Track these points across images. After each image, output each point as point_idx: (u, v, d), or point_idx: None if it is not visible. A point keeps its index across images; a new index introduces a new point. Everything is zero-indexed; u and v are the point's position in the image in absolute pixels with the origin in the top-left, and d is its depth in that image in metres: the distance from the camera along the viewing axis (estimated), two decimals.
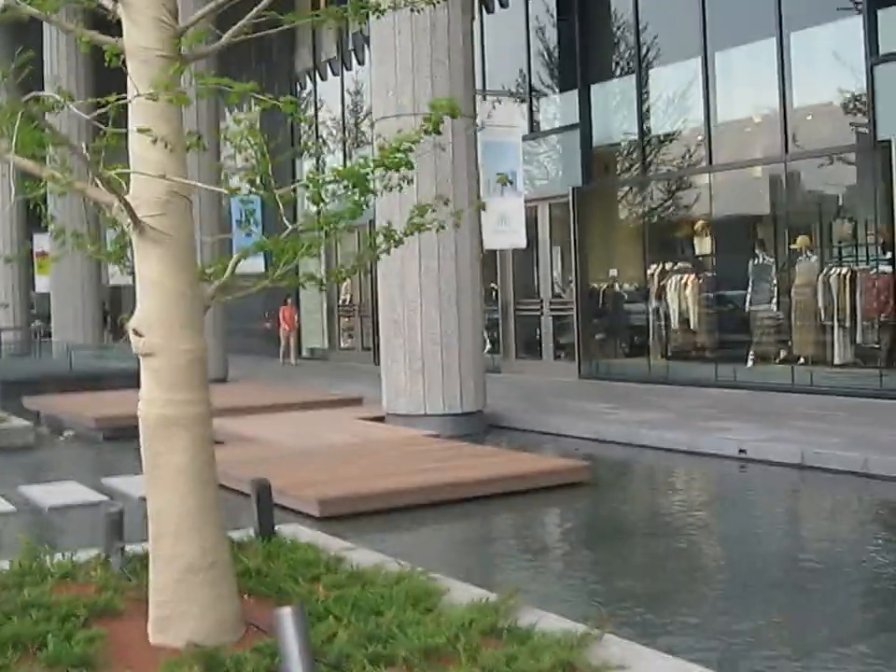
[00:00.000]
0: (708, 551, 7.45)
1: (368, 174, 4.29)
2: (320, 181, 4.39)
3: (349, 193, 4.42)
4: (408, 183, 4.95)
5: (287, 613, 3.60)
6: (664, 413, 12.80)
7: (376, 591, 4.85)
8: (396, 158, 4.16)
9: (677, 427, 11.70)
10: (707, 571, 6.84)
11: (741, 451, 10.37)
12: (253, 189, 4.50)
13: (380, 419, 13.24)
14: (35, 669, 4.05)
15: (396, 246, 5.27)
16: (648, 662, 4.01)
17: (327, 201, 4.86)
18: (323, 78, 25.34)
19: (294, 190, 5.09)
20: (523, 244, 15.68)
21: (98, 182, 4.33)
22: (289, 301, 23.94)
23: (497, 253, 18.38)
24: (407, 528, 8.12)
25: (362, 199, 4.42)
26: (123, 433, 12.57)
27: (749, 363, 15.71)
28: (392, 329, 13.01)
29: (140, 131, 3.94)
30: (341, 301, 25.09)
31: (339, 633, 4.30)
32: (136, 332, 4.36)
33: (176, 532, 4.40)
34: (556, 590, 6.37)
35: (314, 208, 4.83)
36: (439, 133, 4.26)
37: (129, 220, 4.26)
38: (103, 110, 4.21)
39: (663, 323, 17.35)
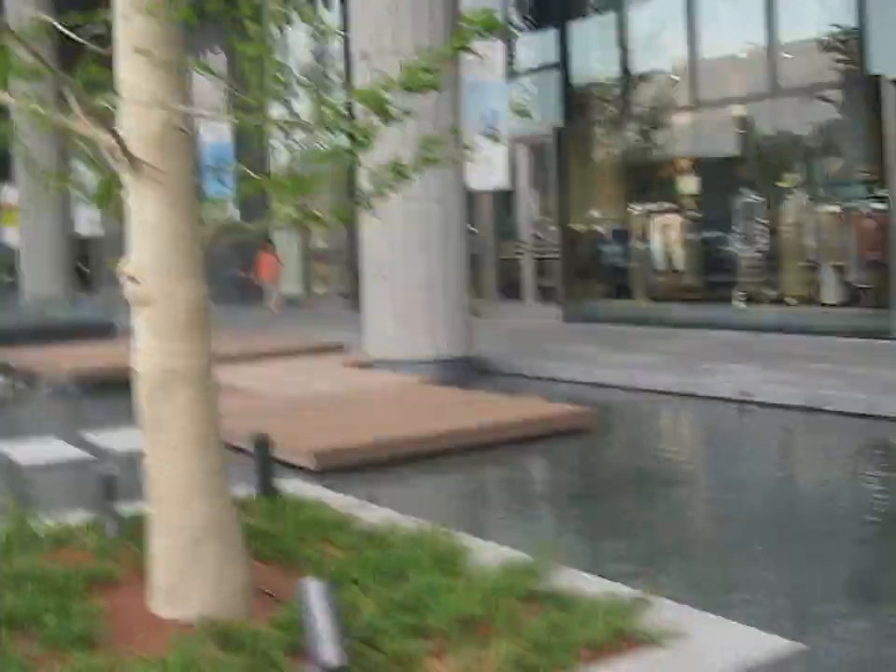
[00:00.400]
0: (731, 498, 7.10)
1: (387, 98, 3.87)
2: (335, 107, 3.96)
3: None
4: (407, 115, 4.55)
5: (315, 587, 3.27)
6: (657, 356, 12.50)
7: (397, 552, 4.51)
8: (422, 78, 3.74)
9: (674, 369, 11.39)
10: (738, 521, 6.54)
11: (743, 393, 10.08)
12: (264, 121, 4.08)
13: (365, 366, 12.89)
14: (35, 650, 3.69)
15: (403, 183, 4.89)
16: (708, 628, 3.70)
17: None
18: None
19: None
20: (506, 184, 15.29)
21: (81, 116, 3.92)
22: (268, 247, 23.18)
23: (475, 195, 17.96)
24: (410, 480, 7.79)
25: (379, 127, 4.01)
26: (99, 386, 12.24)
27: (737, 304, 15.41)
28: (376, 274, 12.62)
29: (139, 51, 3.52)
30: (315, 247, 24.59)
31: (362, 601, 3.97)
32: (133, 279, 3.96)
33: (182, 496, 4.03)
34: (575, 545, 6.04)
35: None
36: (471, 51, 3.82)
37: (121, 158, 3.86)
38: (81, 40, 3.80)
39: (648, 264, 17.02)
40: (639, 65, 16.64)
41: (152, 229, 3.93)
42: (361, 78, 11.46)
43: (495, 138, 12.00)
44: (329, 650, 3.20)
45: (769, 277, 15.07)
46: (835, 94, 14.39)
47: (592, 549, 5.96)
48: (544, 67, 17.92)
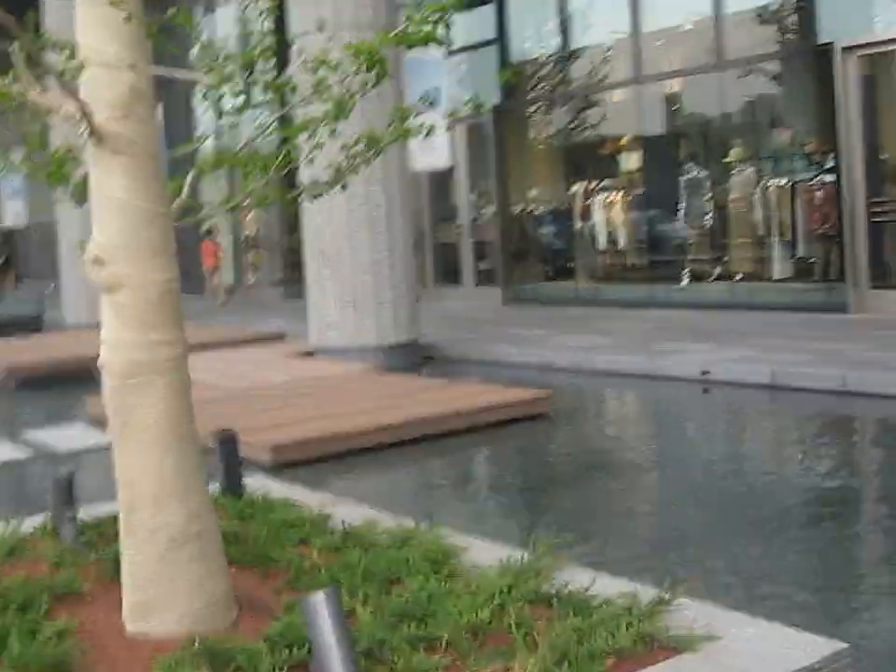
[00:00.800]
0: (705, 482, 6.86)
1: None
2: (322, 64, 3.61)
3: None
4: (372, 86, 4.21)
5: (321, 600, 2.92)
6: (609, 337, 12.27)
7: (385, 554, 4.18)
8: (425, 30, 3.40)
9: (630, 350, 11.16)
10: (720, 506, 6.29)
11: (704, 373, 9.86)
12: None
13: (308, 354, 12.50)
14: None
15: (376, 157, 4.55)
16: (739, 628, 3.41)
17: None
18: None
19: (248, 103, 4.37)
20: (448, 164, 14.95)
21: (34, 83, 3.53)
22: (210, 234, 22.40)
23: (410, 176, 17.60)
24: (372, 473, 7.45)
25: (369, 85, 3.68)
26: (36, 381, 11.71)
27: (685, 281, 15.25)
28: (319, 260, 12.22)
29: (113, 4, 3.13)
30: (245, 235, 24.04)
31: (357, 609, 3.63)
32: (97, 261, 3.57)
33: (156, 499, 3.66)
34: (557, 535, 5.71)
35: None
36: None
37: (83, 126, 3.46)
38: None
39: (590, 244, 16.79)
40: (579, 40, 16.36)
41: (118, 204, 3.54)
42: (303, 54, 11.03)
43: (453, 115, 11.61)
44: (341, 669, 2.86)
45: (716, 254, 14.92)
46: (783, 65, 14.26)
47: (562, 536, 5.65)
48: (482, 44, 17.57)
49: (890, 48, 12.42)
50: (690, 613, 3.55)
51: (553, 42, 16.64)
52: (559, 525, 5.72)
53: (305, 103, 4.29)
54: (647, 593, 3.67)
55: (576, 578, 3.86)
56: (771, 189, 14.01)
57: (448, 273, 18.97)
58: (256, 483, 5.61)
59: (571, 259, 17.04)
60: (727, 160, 14.61)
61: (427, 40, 3.98)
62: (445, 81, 14.35)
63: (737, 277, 14.47)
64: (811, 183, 13.66)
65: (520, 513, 6.29)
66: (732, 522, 5.76)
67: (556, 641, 3.28)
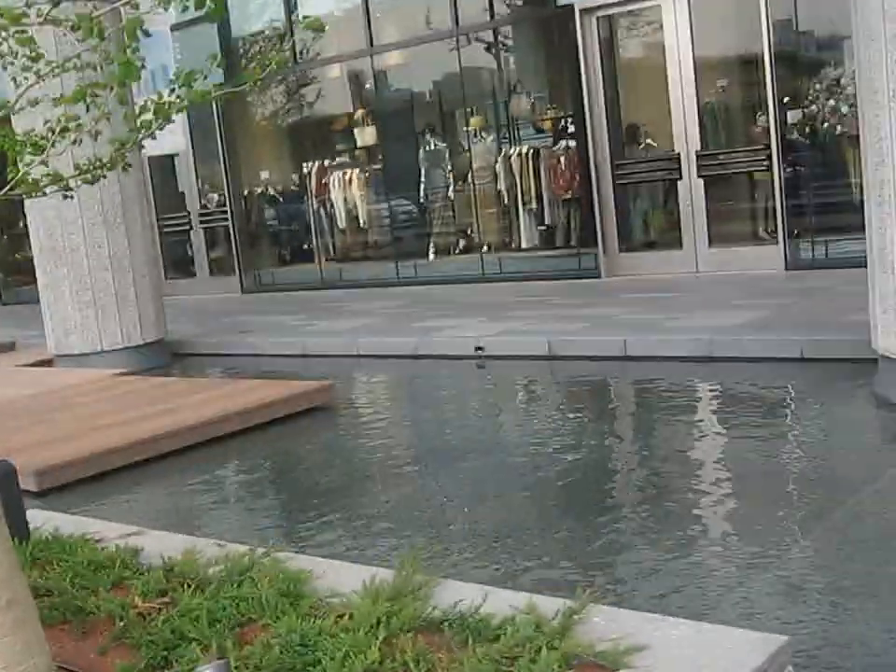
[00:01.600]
0: (509, 467, 6.47)
1: None
2: None
3: None
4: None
5: None
6: (367, 319, 11.83)
7: (228, 593, 3.57)
8: None
9: (394, 331, 10.75)
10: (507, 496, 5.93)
11: (478, 348, 9.56)
12: None
13: (47, 363, 11.47)
14: None
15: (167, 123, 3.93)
16: (661, 632, 3.02)
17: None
18: None
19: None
20: (180, 147, 14.10)
21: None
22: None
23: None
24: (150, 490, 6.70)
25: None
26: None
27: (431, 257, 14.98)
28: (52, 259, 11.18)
29: None
30: None
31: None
32: None
33: None
34: (353, 542, 5.18)
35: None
36: None
37: None
38: None
39: (329, 224, 16.27)
40: (306, 11, 15.71)
41: None
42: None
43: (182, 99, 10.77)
44: None
45: (462, 226, 14.72)
46: (523, 29, 14.10)
47: (358, 543, 5.16)
48: (200, 19, 16.62)
49: (629, 7, 12.47)
50: (600, 621, 3.15)
51: (278, 14, 15.93)
52: (372, 528, 5.26)
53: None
54: (547, 605, 3.24)
55: (455, 595, 3.39)
56: (514, 156, 13.87)
57: (179, 264, 18.05)
58: (35, 517, 4.85)
59: (310, 241, 16.46)
60: (467, 129, 14.38)
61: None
62: (171, 55, 13.50)
63: (485, 249, 14.30)
64: (555, 149, 13.61)
65: (332, 517, 5.72)
66: (539, 506, 5.44)
67: None
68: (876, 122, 6.40)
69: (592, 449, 6.47)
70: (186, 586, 3.72)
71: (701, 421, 7.04)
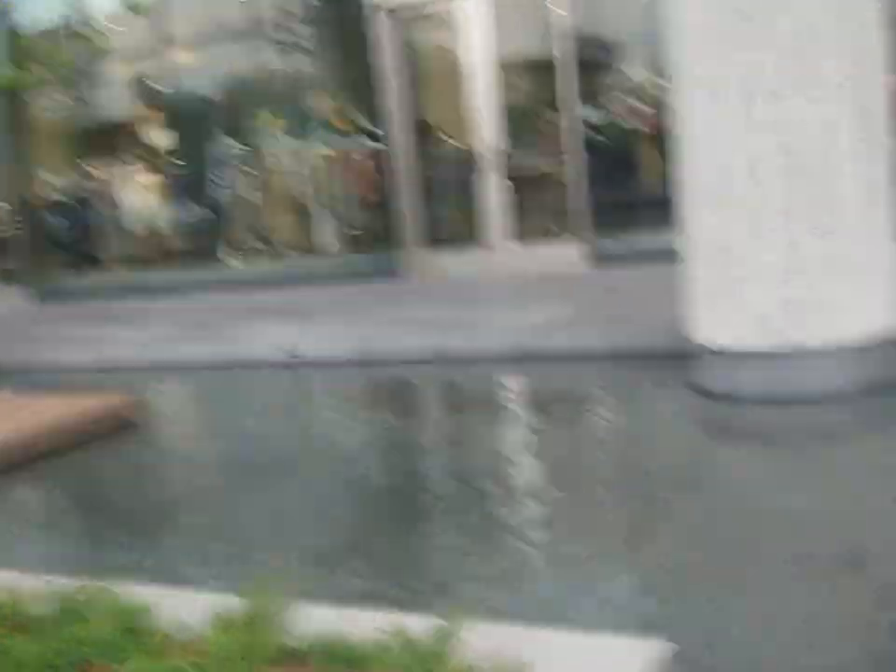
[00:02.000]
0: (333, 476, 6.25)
1: None
2: None
3: None
4: None
5: None
6: (169, 327, 11.38)
7: (61, 632, 3.25)
8: None
9: (199, 339, 10.36)
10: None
11: (292, 355, 9.29)
12: None
13: None
14: None
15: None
16: (541, 646, 2.88)
17: None
18: None
19: None
20: None
21: None
22: None
23: None
24: None
25: None
26: None
27: (232, 261, 14.56)
28: None
29: None
30: None
31: None
32: None
33: None
34: (187, 568, 4.87)
35: None
36: None
37: None
38: None
39: (122, 230, 15.64)
40: (94, 9, 15.02)
41: None
42: None
43: None
44: None
45: (261, 230, 14.36)
46: (323, 29, 13.83)
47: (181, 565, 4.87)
48: None
49: (427, 8, 12.41)
50: (476, 639, 2.98)
51: (67, 11, 15.18)
52: (204, 551, 4.96)
53: None
54: (415, 625, 3.05)
55: (314, 620, 3.17)
56: (314, 158, 13.62)
57: None
58: None
59: (104, 247, 15.80)
60: (266, 131, 14.03)
61: None
62: None
63: (286, 253, 14.01)
64: (356, 149, 13.41)
65: (154, 541, 5.37)
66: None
67: None
68: (689, 116, 6.48)
69: (412, 455, 6.33)
70: (11, 629, 3.38)
71: (525, 422, 6.98)
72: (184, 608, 3.39)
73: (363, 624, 3.09)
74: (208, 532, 5.27)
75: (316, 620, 3.16)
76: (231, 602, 3.31)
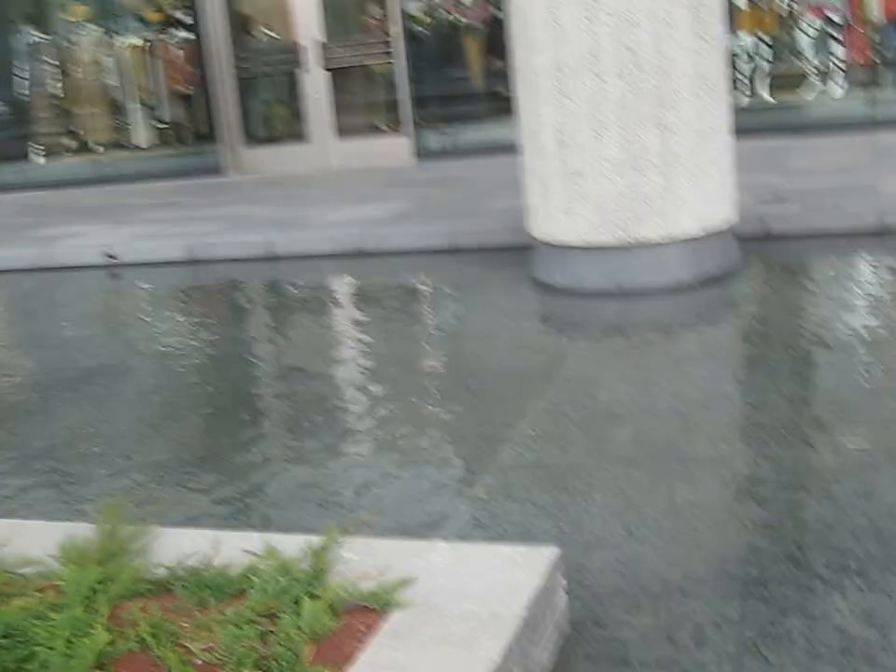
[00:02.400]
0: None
1: None
2: None
3: None
4: None
5: None
6: None
7: None
8: None
9: (7, 242, 9.75)
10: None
11: (109, 256, 8.84)
12: None
13: None
14: None
15: None
16: (424, 559, 2.74)
17: None
18: None
19: None
20: None
21: None
22: None
23: None
24: None
25: None
26: None
27: (38, 159, 13.79)
28: None
29: None
30: None
31: None
32: None
33: None
34: (17, 494, 4.55)
35: None
36: None
37: None
38: None
39: None
40: None
41: None
42: None
43: None
44: None
45: (71, 126, 13.61)
46: None
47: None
48: None
49: None
50: (353, 556, 2.83)
51: None
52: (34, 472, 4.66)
53: None
54: (287, 544, 2.88)
55: (176, 545, 2.97)
56: (125, 49, 12.92)
57: None
58: None
59: None
60: (70, 19, 13.21)
61: None
62: None
63: (99, 149, 13.33)
64: (169, 40, 12.77)
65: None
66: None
67: (235, 649, 2.43)
68: (528, 8, 6.31)
69: (241, 359, 6.09)
70: None
71: (363, 319, 6.81)
72: (28, 540, 3.13)
73: (230, 548, 2.91)
74: (34, 448, 4.93)
75: (178, 545, 2.96)
76: (80, 530, 3.07)
